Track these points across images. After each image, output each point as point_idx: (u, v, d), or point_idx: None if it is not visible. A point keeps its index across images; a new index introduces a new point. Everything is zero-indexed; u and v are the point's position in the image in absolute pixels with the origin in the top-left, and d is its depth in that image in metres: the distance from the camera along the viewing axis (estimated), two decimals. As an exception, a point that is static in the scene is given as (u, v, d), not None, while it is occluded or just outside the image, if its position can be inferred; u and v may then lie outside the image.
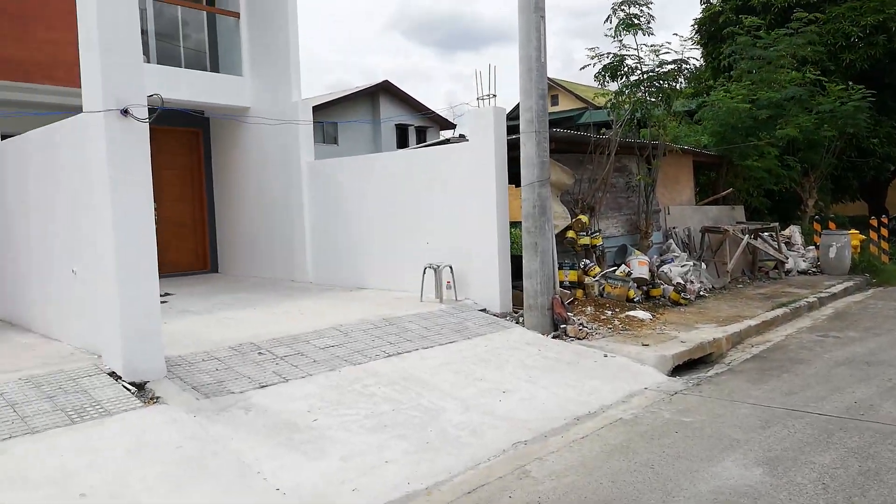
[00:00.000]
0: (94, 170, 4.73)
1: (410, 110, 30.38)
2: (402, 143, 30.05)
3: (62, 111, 6.27)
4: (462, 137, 9.68)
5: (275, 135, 9.80)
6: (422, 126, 31.21)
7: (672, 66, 9.43)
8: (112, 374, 4.63)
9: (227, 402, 4.42)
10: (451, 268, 7.51)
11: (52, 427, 3.90)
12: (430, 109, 29.80)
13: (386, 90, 29.98)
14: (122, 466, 3.57)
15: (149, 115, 4.54)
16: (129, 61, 4.54)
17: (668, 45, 9.45)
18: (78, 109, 5.06)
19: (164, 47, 10.30)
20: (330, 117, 26.47)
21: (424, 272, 7.56)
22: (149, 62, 9.58)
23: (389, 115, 29.41)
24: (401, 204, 8.37)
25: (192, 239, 11.06)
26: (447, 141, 10.68)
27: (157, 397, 4.42)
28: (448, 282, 7.49)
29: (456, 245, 7.64)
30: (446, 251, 7.73)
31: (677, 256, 9.49)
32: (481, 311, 7.20)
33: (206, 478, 3.56)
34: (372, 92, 29.74)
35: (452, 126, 29.60)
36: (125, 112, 4.43)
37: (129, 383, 4.50)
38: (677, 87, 10.05)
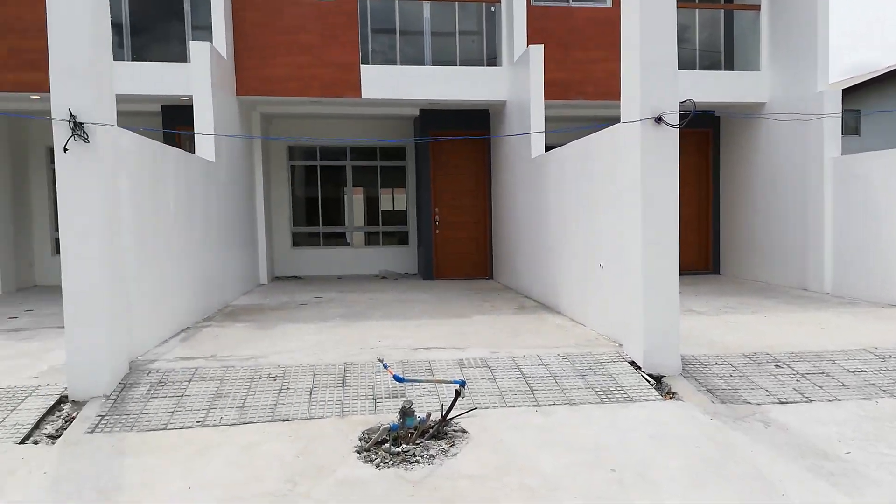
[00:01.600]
0: (625, 174, 5.18)
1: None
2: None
3: (589, 124, 7.12)
4: None
5: (790, 129, 9.05)
6: None
7: None
8: (632, 364, 5.03)
9: (743, 412, 4.30)
10: None
11: (585, 402, 4.46)
12: None
13: (933, 64, 24.35)
14: (645, 451, 3.82)
15: (680, 120, 4.73)
16: (664, 73, 4.81)
17: None
18: (602, 120, 5.63)
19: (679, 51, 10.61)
20: (847, 104, 22.95)
21: None
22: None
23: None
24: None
25: (695, 239, 11.15)
26: None
27: (674, 393, 4.59)
28: None
29: None
30: None
31: None
32: None
33: (725, 482, 3.52)
34: (911, 68, 24.56)
35: None
36: (659, 120, 4.72)
37: (647, 375, 4.82)
38: None
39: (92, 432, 3.99)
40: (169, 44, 9.74)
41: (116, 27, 9.16)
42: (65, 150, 4.28)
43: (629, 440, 3.94)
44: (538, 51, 8.50)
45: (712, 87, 9.88)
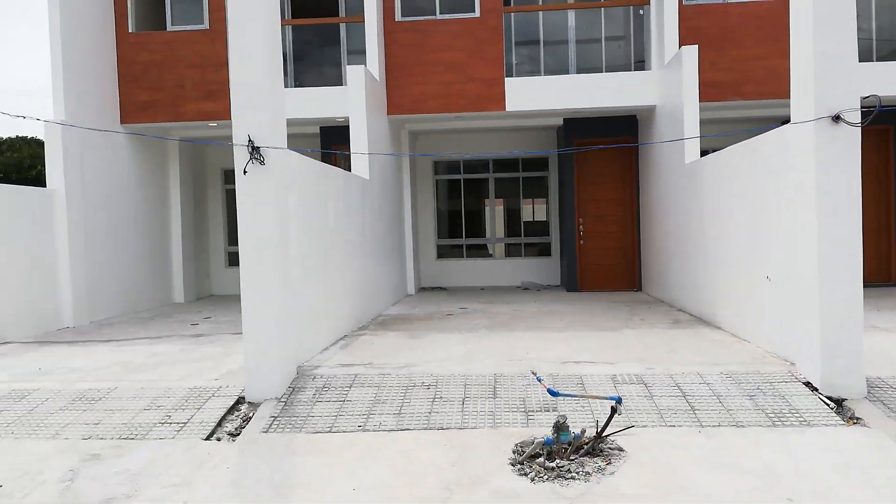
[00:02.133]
0: (796, 178, 4.78)
1: None
2: None
3: (747, 126, 6.66)
4: None
5: None
6: None
7: None
8: (807, 385, 4.61)
9: (947, 443, 3.78)
10: None
11: (754, 424, 4.14)
12: None
13: None
14: (825, 480, 3.48)
15: (862, 118, 4.29)
16: (842, 67, 4.39)
17: None
18: (760, 121, 5.22)
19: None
20: None
21: None
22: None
23: None
24: None
25: (875, 247, 10.00)
26: None
27: (858, 418, 4.15)
28: None
29: None
30: None
31: None
32: None
33: (927, 525, 3.12)
34: None
35: None
36: (836, 118, 4.31)
37: (826, 397, 4.39)
38: None
39: (266, 432, 4.33)
40: (324, 68, 10.43)
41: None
42: (245, 171, 4.72)
43: (807, 468, 3.61)
44: (692, 52, 8.10)
45: (893, 79, 8.87)
